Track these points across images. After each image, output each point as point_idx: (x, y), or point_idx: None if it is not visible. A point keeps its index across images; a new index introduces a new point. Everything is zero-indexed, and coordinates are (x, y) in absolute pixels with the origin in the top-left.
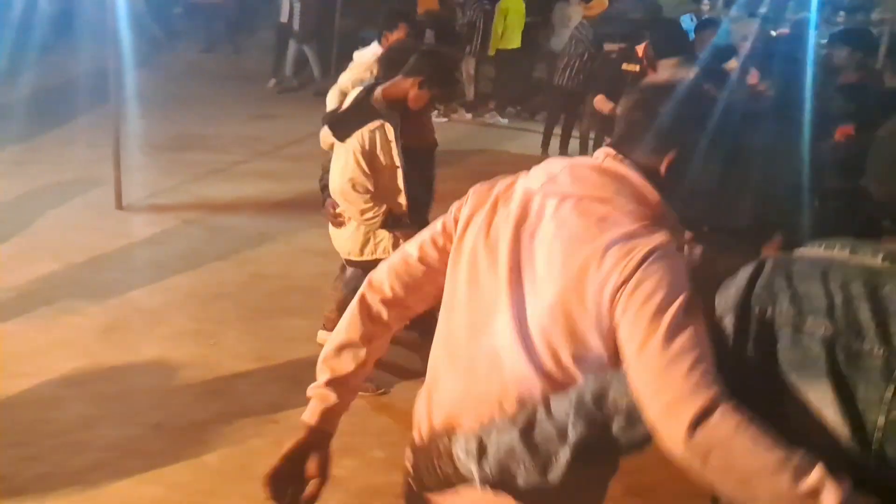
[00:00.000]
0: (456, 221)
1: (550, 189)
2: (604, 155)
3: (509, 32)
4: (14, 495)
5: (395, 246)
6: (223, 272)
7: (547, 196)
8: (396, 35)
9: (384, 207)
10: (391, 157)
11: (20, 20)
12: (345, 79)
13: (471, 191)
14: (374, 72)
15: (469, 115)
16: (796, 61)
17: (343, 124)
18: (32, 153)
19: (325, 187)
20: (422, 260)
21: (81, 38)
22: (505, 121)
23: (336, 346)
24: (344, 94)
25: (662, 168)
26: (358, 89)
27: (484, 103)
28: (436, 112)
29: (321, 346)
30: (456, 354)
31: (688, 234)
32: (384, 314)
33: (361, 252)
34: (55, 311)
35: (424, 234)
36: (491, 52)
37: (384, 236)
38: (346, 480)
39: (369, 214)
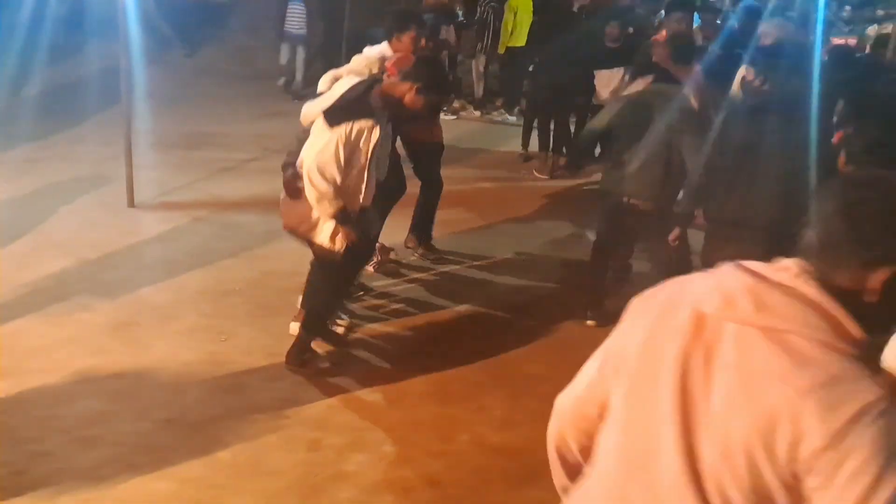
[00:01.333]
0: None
1: (729, 314)
2: (793, 273)
3: (518, 30)
4: (26, 491)
5: (332, 238)
6: (234, 269)
7: (725, 319)
8: (407, 37)
9: (340, 203)
10: (366, 158)
11: (31, 20)
12: (346, 67)
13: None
14: (374, 70)
15: (477, 113)
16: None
17: (339, 113)
18: (45, 151)
19: (288, 165)
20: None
21: (92, 37)
22: (513, 118)
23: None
24: (336, 79)
25: (870, 286)
26: (352, 79)
27: (492, 101)
28: (444, 110)
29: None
30: (607, 485)
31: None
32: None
33: (308, 231)
34: (67, 308)
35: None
36: (501, 50)
37: (329, 225)
38: (356, 475)
39: (325, 203)
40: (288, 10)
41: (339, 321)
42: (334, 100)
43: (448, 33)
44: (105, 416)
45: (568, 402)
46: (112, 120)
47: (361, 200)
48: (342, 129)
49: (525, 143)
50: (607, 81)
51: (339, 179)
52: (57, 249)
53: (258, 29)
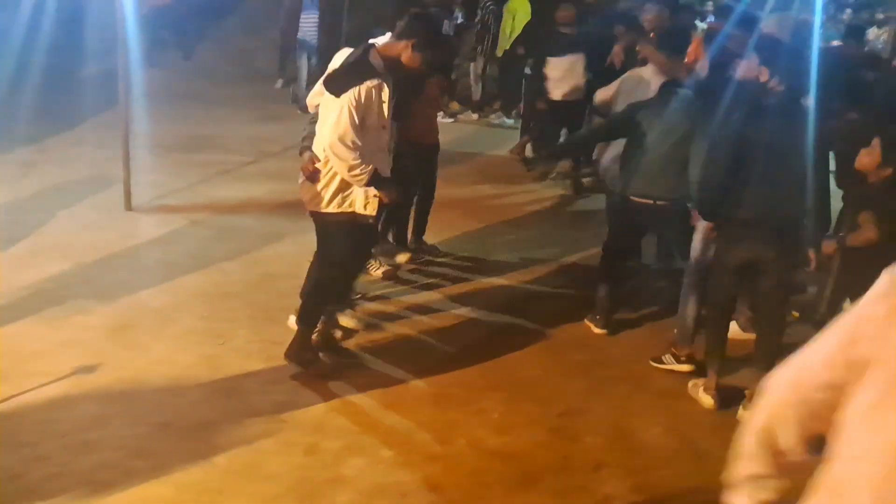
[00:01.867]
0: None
1: None
2: None
3: (517, 34)
4: (24, 495)
5: (365, 205)
6: (232, 272)
7: None
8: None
9: (371, 166)
10: (382, 117)
11: (29, 21)
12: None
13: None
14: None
15: (475, 116)
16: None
17: (341, 80)
18: (42, 154)
19: (304, 149)
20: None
21: (90, 39)
22: (511, 121)
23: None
24: None
25: None
26: (350, 51)
27: (490, 104)
28: (441, 113)
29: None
30: (874, 485)
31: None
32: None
33: (328, 205)
34: (65, 311)
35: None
36: (499, 53)
37: (357, 193)
38: (353, 479)
39: (357, 171)
40: (302, 19)
41: (342, 320)
42: (333, 71)
43: (449, 28)
44: (102, 420)
45: (795, 380)
46: (110, 122)
47: (388, 163)
48: (350, 95)
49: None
50: (561, 73)
51: (359, 141)
52: (55, 252)
53: (257, 30)
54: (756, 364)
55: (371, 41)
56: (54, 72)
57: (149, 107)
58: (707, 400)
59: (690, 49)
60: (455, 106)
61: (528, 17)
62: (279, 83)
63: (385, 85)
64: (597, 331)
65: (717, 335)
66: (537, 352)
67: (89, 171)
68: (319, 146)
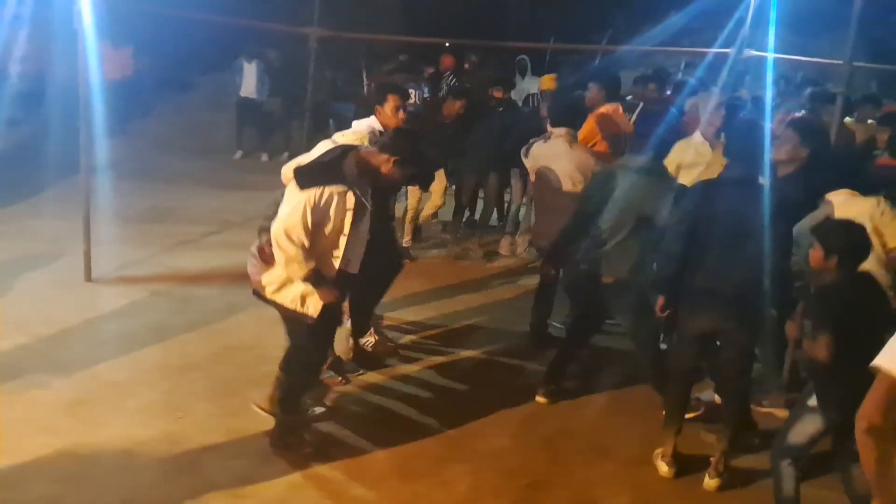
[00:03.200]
0: None
1: None
2: None
3: None
4: None
5: (303, 302)
6: (192, 344)
7: None
8: (389, 106)
9: (312, 265)
10: (341, 223)
11: None
12: (338, 139)
13: None
14: (365, 143)
15: None
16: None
17: (309, 174)
18: (1, 225)
19: (263, 231)
20: None
21: (51, 111)
22: None
23: None
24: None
25: None
26: (328, 144)
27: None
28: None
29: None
30: None
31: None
32: None
33: (273, 293)
34: (20, 386)
35: None
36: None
37: (296, 288)
38: None
39: (294, 266)
40: (244, 72)
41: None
42: (308, 161)
43: (416, 97)
44: (57, 500)
45: None
46: (70, 193)
47: (340, 265)
48: (312, 193)
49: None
50: None
51: (306, 243)
52: (11, 326)
53: (216, 105)
54: (720, 432)
55: (354, 145)
56: (13, 141)
57: (110, 178)
58: (663, 467)
59: (586, 127)
60: None
61: None
62: (238, 154)
63: (351, 194)
64: (538, 399)
65: (676, 403)
66: (503, 420)
67: (49, 243)
68: (273, 231)
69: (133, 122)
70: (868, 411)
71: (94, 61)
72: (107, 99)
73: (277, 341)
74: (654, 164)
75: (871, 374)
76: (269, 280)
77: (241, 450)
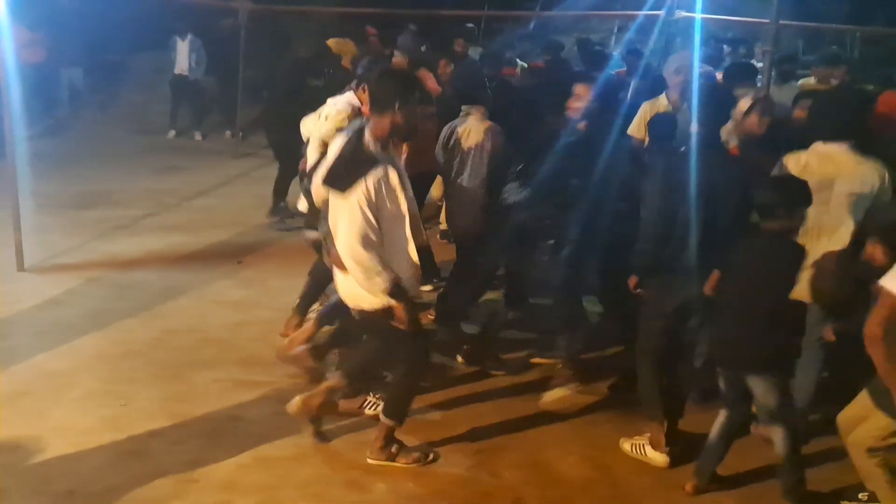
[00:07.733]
0: None
1: None
2: None
3: None
4: None
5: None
6: (132, 330)
7: None
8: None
9: (393, 275)
10: (399, 203)
11: None
12: (325, 129)
13: None
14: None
15: None
16: None
17: (343, 175)
18: None
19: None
20: None
21: None
22: None
23: None
24: (325, 145)
25: None
26: (344, 136)
27: None
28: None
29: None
30: None
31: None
32: None
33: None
34: None
35: None
36: None
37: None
38: None
39: (375, 279)
40: (178, 49)
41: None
42: (330, 165)
43: None
44: (1, 493)
45: None
46: None
47: (411, 257)
48: (359, 192)
49: None
50: None
51: (379, 240)
52: None
53: (149, 84)
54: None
55: (359, 125)
56: None
57: (37, 165)
58: (658, 458)
59: None
60: None
61: None
62: (171, 133)
63: (390, 168)
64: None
65: (651, 385)
66: (449, 393)
67: None
68: (341, 250)
69: (59, 105)
70: (870, 325)
71: (10, 46)
72: (31, 83)
73: (219, 322)
74: None
75: None
76: (363, 291)
77: (187, 434)
